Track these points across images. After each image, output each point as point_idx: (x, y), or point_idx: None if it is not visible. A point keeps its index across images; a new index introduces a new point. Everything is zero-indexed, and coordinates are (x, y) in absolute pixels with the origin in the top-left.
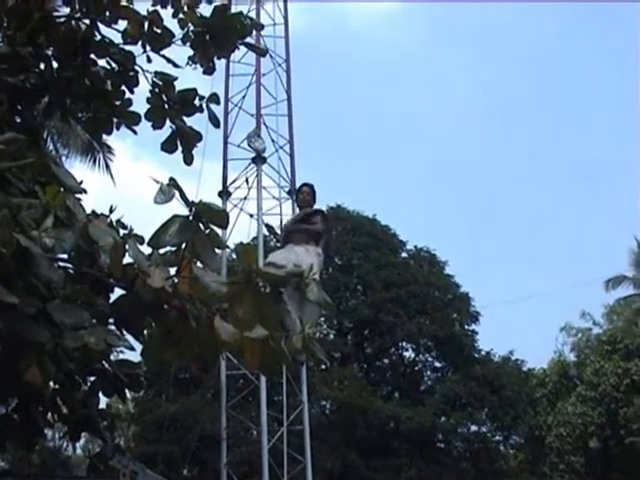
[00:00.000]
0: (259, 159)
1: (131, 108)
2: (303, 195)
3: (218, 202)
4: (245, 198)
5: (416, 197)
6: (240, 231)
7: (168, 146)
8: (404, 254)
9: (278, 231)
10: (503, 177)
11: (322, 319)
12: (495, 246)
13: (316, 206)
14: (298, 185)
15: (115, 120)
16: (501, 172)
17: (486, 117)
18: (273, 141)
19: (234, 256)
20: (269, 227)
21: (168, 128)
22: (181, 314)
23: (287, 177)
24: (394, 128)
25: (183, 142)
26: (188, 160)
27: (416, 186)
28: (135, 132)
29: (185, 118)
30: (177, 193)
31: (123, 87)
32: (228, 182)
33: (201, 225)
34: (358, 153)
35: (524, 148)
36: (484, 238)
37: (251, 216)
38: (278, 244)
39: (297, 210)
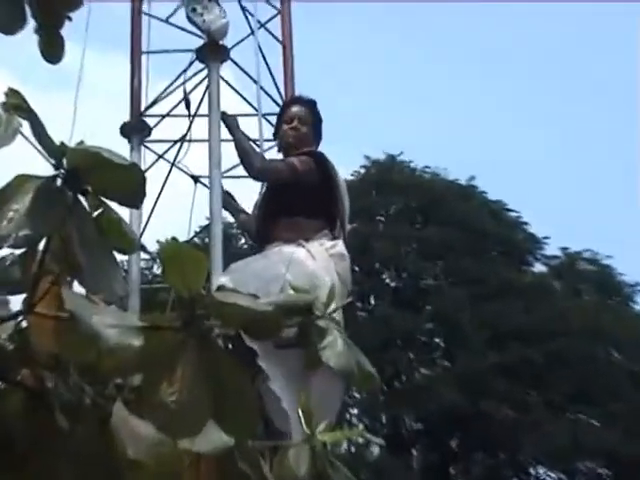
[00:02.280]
0: (213, 51)
1: None
2: (293, 121)
3: (122, 148)
4: (183, 140)
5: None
6: (172, 212)
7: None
8: (540, 266)
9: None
10: None
11: (355, 411)
12: None
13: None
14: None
15: None
16: None
17: None
18: (245, 11)
19: (158, 270)
20: (226, 196)
21: None
22: (35, 400)
23: (278, 93)
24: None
25: (39, 6)
26: (51, 50)
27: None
28: None
29: None
30: (26, 124)
31: None
32: (144, 102)
33: (82, 199)
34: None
35: None
36: None
37: (195, 180)
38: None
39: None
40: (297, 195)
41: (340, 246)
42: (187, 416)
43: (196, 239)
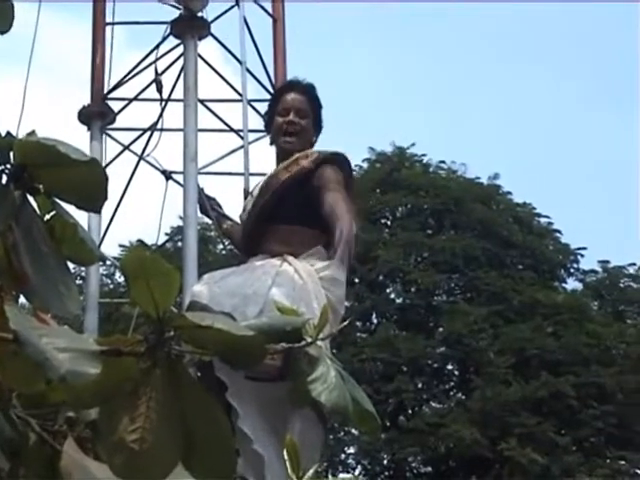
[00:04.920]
0: (190, 25)
1: None
2: (290, 114)
3: (80, 135)
4: (153, 128)
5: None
6: (139, 213)
7: None
8: (574, 282)
9: (235, 217)
10: None
11: (351, 450)
12: None
13: (322, 148)
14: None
15: None
16: None
17: None
18: None
19: (120, 278)
20: (209, 202)
21: None
22: None
23: (266, 75)
24: None
25: None
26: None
27: None
28: None
29: None
30: None
31: None
32: (108, 82)
33: (31, 199)
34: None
35: None
36: None
37: (167, 176)
38: (237, 253)
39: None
40: (302, 197)
41: (334, 269)
42: (151, 458)
43: (168, 244)
